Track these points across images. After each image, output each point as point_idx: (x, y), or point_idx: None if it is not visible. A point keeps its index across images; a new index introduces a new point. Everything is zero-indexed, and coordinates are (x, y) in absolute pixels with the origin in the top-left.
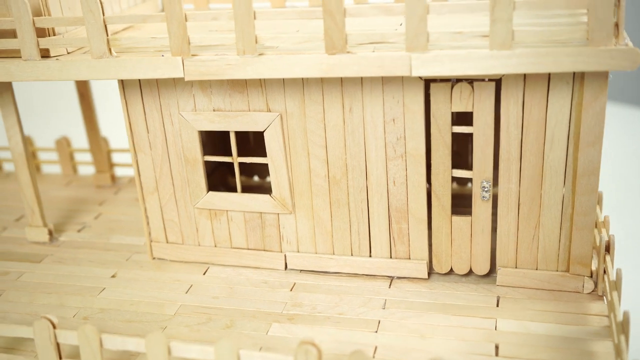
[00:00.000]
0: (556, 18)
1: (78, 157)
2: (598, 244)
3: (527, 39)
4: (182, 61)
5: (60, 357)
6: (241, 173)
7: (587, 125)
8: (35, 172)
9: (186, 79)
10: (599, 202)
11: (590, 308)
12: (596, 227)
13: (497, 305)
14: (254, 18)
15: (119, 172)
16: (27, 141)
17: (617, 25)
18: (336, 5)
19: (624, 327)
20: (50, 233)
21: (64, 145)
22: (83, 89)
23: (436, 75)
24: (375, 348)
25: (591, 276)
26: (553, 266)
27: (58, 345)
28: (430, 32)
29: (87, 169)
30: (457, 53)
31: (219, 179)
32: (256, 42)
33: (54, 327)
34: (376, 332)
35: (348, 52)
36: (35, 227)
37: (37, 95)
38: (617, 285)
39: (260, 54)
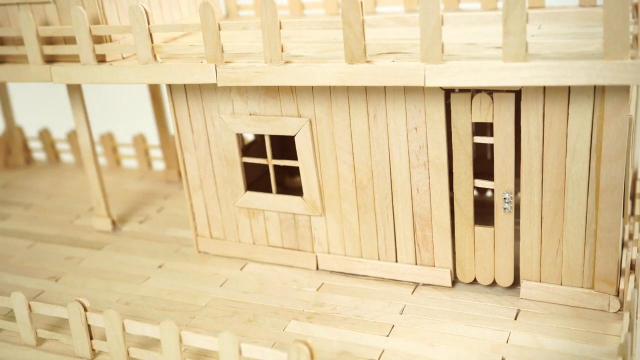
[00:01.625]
0: (579, 29)
1: (154, 153)
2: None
3: (543, 50)
4: (215, 68)
5: (91, 337)
6: (297, 174)
7: (609, 140)
8: (100, 167)
9: (219, 85)
10: None
11: (612, 328)
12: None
13: (515, 319)
14: (280, 28)
15: None
16: (108, 137)
17: (637, 37)
18: (355, 16)
19: (621, 350)
20: (113, 223)
21: (139, 142)
22: (154, 90)
23: (450, 86)
24: (382, 352)
25: (618, 295)
26: (578, 282)
27: (89, 326)
28: (445, 43)
29: (160, 165)
30: (470, 64)
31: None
32: (282, 50)
33: (85, 309)
34: (387, 336)
35: (367, 62)
36: (100, 217)
37: (125, 94)
38: (630, 306)
39: (287, 62)
